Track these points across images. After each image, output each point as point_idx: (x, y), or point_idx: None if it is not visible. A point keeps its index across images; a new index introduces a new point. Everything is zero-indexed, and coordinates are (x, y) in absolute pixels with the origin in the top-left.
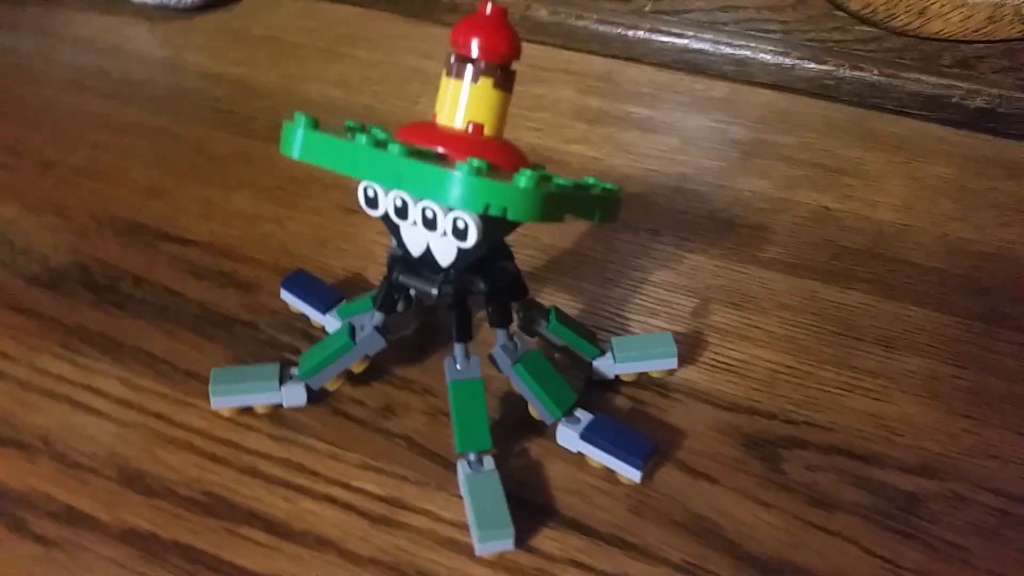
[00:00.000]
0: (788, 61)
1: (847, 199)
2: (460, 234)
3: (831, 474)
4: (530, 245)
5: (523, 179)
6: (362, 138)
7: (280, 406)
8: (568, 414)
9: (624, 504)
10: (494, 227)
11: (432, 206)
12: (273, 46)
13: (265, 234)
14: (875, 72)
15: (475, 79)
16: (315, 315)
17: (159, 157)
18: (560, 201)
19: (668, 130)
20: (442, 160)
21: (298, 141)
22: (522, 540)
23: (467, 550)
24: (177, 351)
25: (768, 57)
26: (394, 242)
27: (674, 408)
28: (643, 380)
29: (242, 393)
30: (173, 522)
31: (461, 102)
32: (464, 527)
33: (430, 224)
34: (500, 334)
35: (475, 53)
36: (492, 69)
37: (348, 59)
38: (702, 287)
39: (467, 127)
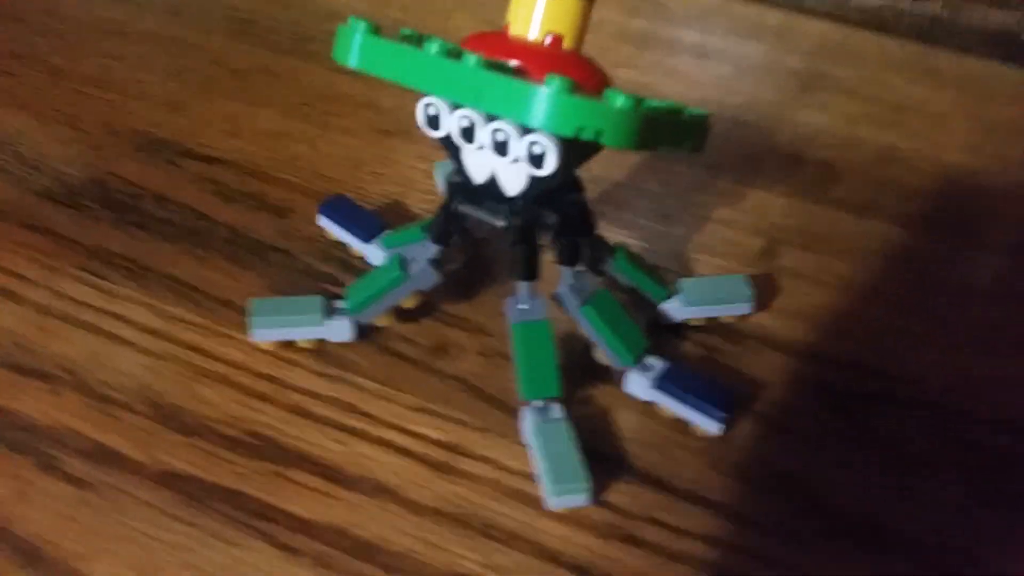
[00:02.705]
0: None
1: (912, 138)
2: (536, 160)
3: (915, 429)
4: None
5: (619, 99)
6: (433, 46)
7: (323, 341)
8: (639, 360)
9: (701, 458)
10: (573, 154)
11: (505, 127)
12: None
13: (294, 154)
14: (939, 4)
15: None
16: (356, 244)
17: (176, 69)
18: (656, 126)
19: (721, 57)
20: (519, 74)
21: (356, 47)
22: (594, 494)
23: (535, 502)
24: (208, 278)
25: None
26: (451, 167)
27: (747, 356)
28: (712, 325)
29: (286, 326)
30: (216, 464)
31: (538, 10)
32: (531, 478)
33: (501, 148)
34: (567, 272)
35: None
36: None
37: None
38: (769, 226)
39: (544, 39)
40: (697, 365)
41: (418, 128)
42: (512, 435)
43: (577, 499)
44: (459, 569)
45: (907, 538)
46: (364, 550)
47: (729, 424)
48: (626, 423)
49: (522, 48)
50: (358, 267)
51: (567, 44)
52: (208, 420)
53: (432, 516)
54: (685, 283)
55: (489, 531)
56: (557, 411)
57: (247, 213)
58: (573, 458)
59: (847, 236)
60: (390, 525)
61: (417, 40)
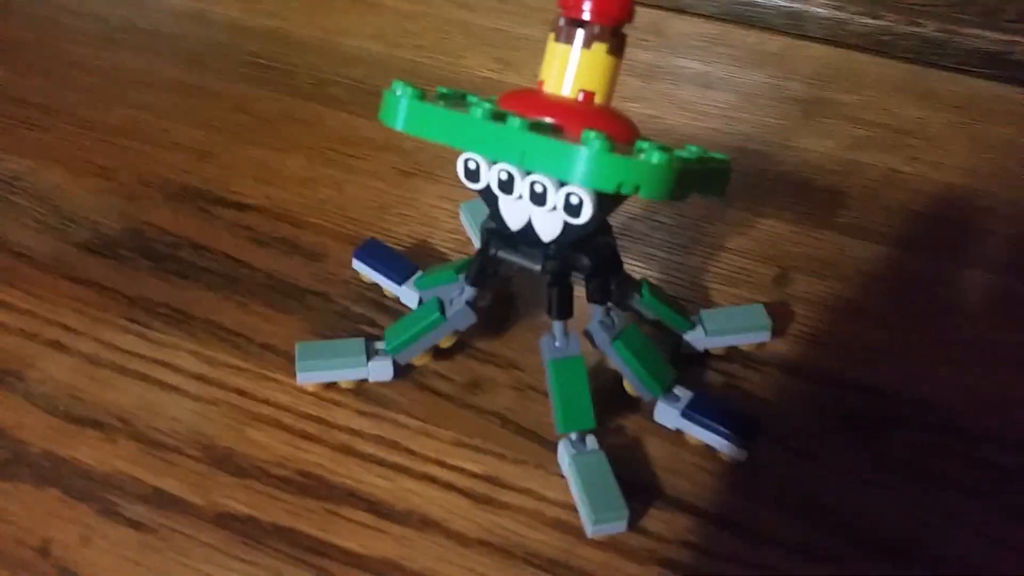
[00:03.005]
0: (842, 15)
1: (914, 161)
2: (573, 210)
3: (934, 451)
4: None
5: (655, 155)
6: (478, 110)
7: (365, 381)
8: (667, 391)
9: (729, 483)
10: (605, 201)
11: (543, 180)
12: None
13: (323, 199)
14: (933, 27)
15: (587, 44)
16: (390, 286)
17: (202, 117)
18: (687, 177)
19: (724, 86)
20: (557, 132)
21: (402, 112)
22: (630, 521)
23: (575, 531)
24: (250, 323)
25: (822, 11)
26: (479, 210)
27: (767, 383)
28: (732, 354)
29: (330, 368)
30: (270, 504)
31: (571, 68)
32: (570, 507)
33: (539, 199)
34: (597, 310)
35: (587, 16)
36: (605, 33)
37: (384, 9)
38: (781, 254)
39: (577, 95)
40: (721, 393)
41: (440, 169)
42: (549, 466)
43: (616, 527)
44: None
45: (933, 555)
46: None
47: (753, 450)
48: (656, 451)
49: (557, 105)
50: (392, 308)
51: (598, 99)
52: (259, 461)
53: (477, 547)
54: (705, 314)
55: (532, 559)
56: (592, 442)
57: (282, 258)
58: (610, 487)
59: (856, 261)
60: (438, 557)
61: (455, 98)
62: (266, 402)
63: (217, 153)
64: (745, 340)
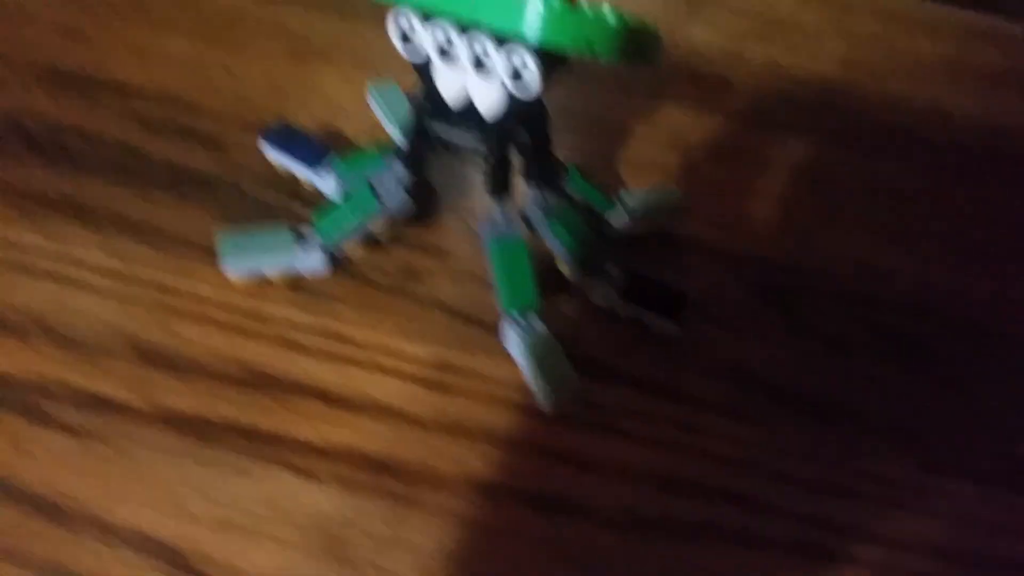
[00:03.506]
0: None
1: (792, 52)
2: (519, 77)
3: (839, 317)
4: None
5: (612, 16)
6: None
7: (297, 273)
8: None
9: (663, 356)
10: (547, 71)
11: (486, 43)
12: None
13: (215, 83)
14: None
15: None
16: (303, 171)
17: None
18: (636, 42)
19: None
20: None
21: None
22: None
23: (528, 408)
24: (158, 215)
25: None
26: (421, 93)
27: (686, 263)
28: (654, 237)
29: (258, 257)
30: (217, 401)
31: None
32: (520, 386)
33: (481, 64)
34: (533, 191)
35: None
36: None
37: None
38: (682, 142)
39: None
40: (649, 272)
41: (335, 51)
42: (493, 349)
43: (571, 399)
44: (474, 474)
45: (848, 410)
46: (382, 467)
47: (683, 325)
48: (592, 329)
49: None
50: (309, 195)
51: None
52: (195, 358)
53: (436, 429)
54: (625, 195)
55: (492, 437)
56: (537, 321)
57: (181, 145)
58: (563, 362)
59: (752, 147)
60: (399, 441)
61: None
62: (191, 297)
63: (89, 35)
64: (665, 221)
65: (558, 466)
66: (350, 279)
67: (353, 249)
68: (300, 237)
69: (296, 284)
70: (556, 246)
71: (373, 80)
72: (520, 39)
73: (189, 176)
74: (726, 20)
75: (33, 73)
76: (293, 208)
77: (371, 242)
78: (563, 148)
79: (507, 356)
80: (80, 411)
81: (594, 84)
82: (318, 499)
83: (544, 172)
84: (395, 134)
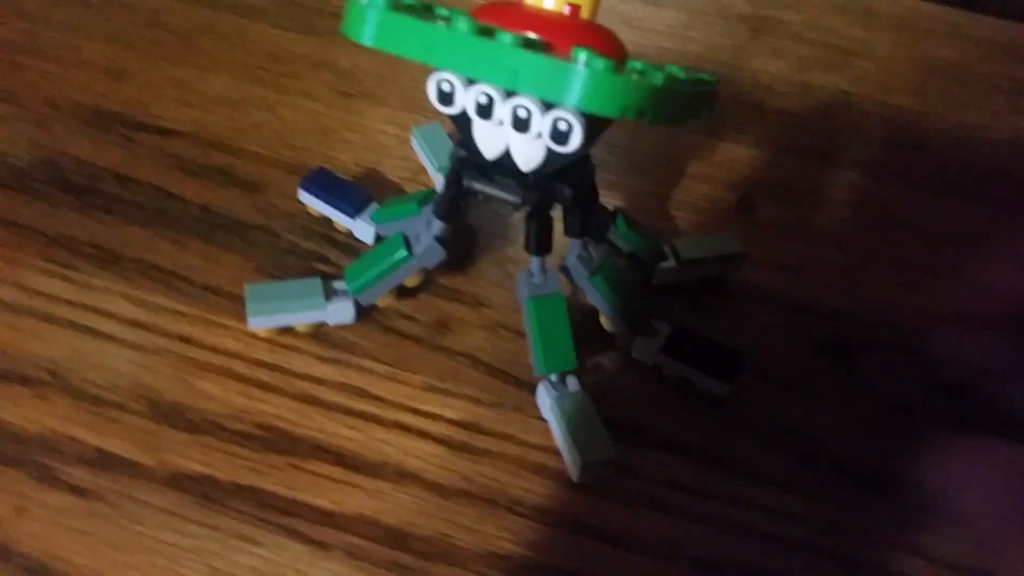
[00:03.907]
0: None
1: (861, 82)
2: (561, 137)
3: (899, 375)
4: None
5: (657, 76)
6: (463, 24)
7: (324, 324)
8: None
9: (711, 419)
10: (592, 129)
11: (527, 104)
12: None
13: (256, 123)
14: None
15: None
16: (342, 219)
17: (112, 32)
18: (685, 99)
19: (670, 3)
20: (549, 50)
21: (372, 23)
22: (617, 462)
23: (559, 476)
24: (187, 263)
25: None
26: (458, 142)
27: (741, 312)
28: (704, 284)
29: (285, 311)
30: (228, 461)
31: None
32: (552, 451)
33: (522, 125)
34: (575, 244)
35: None
36: None
37: None
38: (742, 179)
39: (562, 8)
40: (696, 325)
41: (382, 89)
42: (527, 409)
43: (603, 469)
44: (494, 549)
45: (907, 484)
46: (395, 538)
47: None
48: (635, 388)
49: (543, 19)
50: (345, 244)
51: (584, 13)
52: (212, 415)
53: (457, 497)
54: (677, 244)
55: (517, 508)
56: (573, 383)
57: (217, 189)
58: (596, 429)
59: (815, 185)
60: (417, 510)
61: (421, 10)
62: (214, 349)
63: (131, 72)
64: (718, 269)
65: (588, 542)
66: (379, 330)
67: (386, 299)
68: (330, 289)
69: (323, 335)
70: (599, 301)
71: (419, 122)
72: (563, 105)
73: (225, 221)
74: (792, 48)
75: (76, 114)
76: (330, 256)
77: (404, 292)
78: (613, 190)
79: (541, 419)
80: (87, 468)
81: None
82: (323, 572)
83: (587, 225)
84: (437, 178)
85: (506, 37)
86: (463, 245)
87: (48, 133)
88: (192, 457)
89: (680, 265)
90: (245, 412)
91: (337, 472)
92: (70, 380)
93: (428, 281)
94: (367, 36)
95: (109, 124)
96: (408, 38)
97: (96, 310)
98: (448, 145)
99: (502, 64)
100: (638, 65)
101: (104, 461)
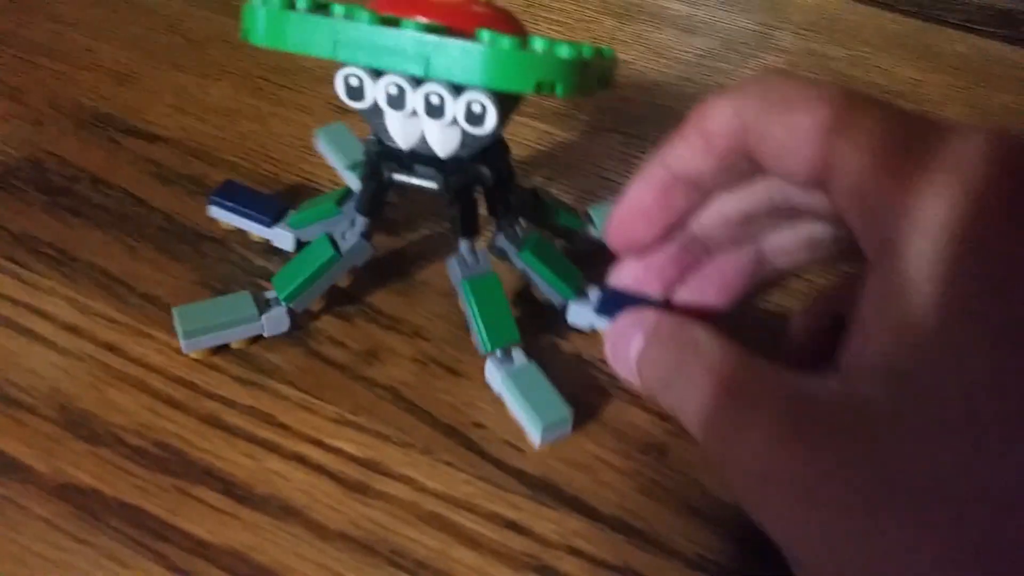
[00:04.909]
0: None
1: None
2: (476, 119)
3: None
4: (544, 163)
5: (563, 49)
6: (364, 15)
7: (260, 338)
8: (504, 351)
9: (634, 482)
10: (505, 108)
11: (439, 90)
12: None
13: (244, 133)
14: None
15: None
16: (257, 229)
17: (131, 35)
18: (592, 71)
19: (707, 31)
20: (454, 34)
21: (262, 19)
22: (515, 519)
23: (450, 528)
24: (136, 270)
25: None
26: (371, 135)
27: None
28: None
29: (217, 330)
30: (118, 477)
31: None
32: (451, 501)
33: (436, 111)
34: (462, 244)
35: None
36: None
37: None
38: None
39: None
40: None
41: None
42: (436, 452)
43: (562, 430)
44: None
45: None
46: None
47: (663, 447)
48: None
49: (442, 6)
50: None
51: None
52: (116, 428)
53: (338, 541)
54: (595, 210)
55: (397, 559)
56: (519, 355)
57: (184, 198)
58: (549, 392)
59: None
60: (292, 550)
61: (316, 7)
62: (136, 361)
63: (139, 76)
64: None
65: None
66: (305, 354)
67: (321, 320)
68: (262, 301)
69: (247, 355)
70: (531, 274)
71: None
72: (475, 86)
73: (182, 231)
74: None
75: (74, 116)
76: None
77: (338, 314)
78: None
79: (449, 465)
80: None
81: (638, 144)
82: None
83: (509, 204)
84: (349, 177)
85: (410, 24)
86: (406, 269)
87: (42, 133)
88: (85, 468)
89: (597, 229)
90: (148, 428)
91: (221, 501)
92: None
93: (366, 305)
94: (259, 32)
95: (102, 127)
96: (310, 35)
97: (36, 311)
98: (354, 143)
99: (411, 52)
100: (540, 42)
101: (1, 464)
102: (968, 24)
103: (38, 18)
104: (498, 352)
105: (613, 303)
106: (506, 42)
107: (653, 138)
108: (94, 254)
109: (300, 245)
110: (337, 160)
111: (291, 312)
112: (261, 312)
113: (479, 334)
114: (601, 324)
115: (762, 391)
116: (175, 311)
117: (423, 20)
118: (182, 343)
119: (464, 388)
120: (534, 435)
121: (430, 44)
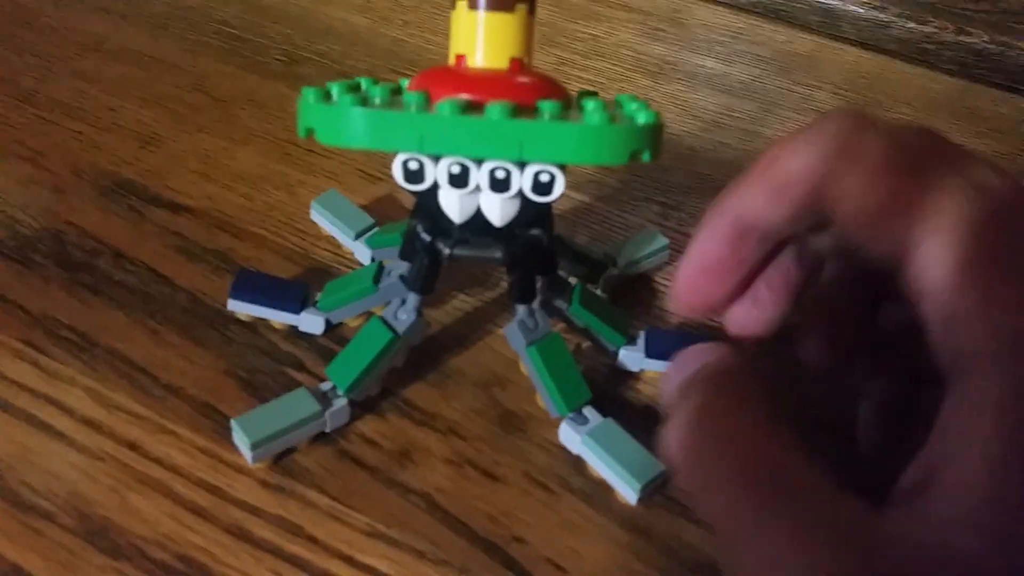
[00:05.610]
0: (883, 16)
1: None
2: (544, 188)
3: None
4: (582, 233)
5: (642, 116)
6: (446, 107)
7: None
8: (576, 411)
9: (612, 541)
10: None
11: (506, 165)
12: None
13: (271, 203)
14: (984, 38)
15: (509, 7)
16: (284, 317)
17: (154, 94)
18: (656, 136)
19: (744, 91)
20: (527, 112)
21: (361, 123)
22: None
23: None
24: (159, 358)
25: (860, 10)
26: (419, 213)
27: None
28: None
29: (286, 435)
30: None
31: (499, 37)
32: None
33: (502, 185)
34: (521, 309)
35: None
36: None
37: None
38: None
39: (506, 64)
40: (643, 418)
41: None
42: (474, 570)
43: (656, 482)
44: None
45: None
46: None
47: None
48: (537, 504)
49: (501, 81)
50: (323, 346)
51: (527, 63)
52: (137, 538)
53: None
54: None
55: None
56: (592, 413)
57: (210, 275)
58: (636, 449)
59: None
60: None
61: (353, 88)
62: (159, 461)
63: (163, 139)
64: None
65: None
66: (335, 455)
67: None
68: (320, 395)
69: (276, 458)
70: (532, 374)
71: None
72: (583, 163)
73: (208, 312)
74: None
75: (95, 182)
76: (305, 361)
77: (372, 404)
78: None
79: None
80: None
81: (680, 220)
82: None
83: (533, 290)
84: (356, 248)
85: (496, 111)
86: (441, 355)
87: (62, 201)
88: None
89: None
90: (171, 539)
91: None
92: (7, 481)
93: (401, 399)
94: (361, 137)
95: (124, 195)
96: (399, 131)
97: (55, 403)
98: (352, 210)
99: (501, 139)
100: (591, 104)
101: None
102: (1013, 85)
103: (62, 74)
104: (570, 414)
105: (662, 344)
106: (597, 117)
107: (691, 208)
108: (116, 339)
109: (328, 327)
110: (339, 229)
111: (351, 403)
112: (324, 407)
113: (551, 398)
114: (652, 366)
115: (816, 521)
116: (234, 423)
117: (497, 102)
118: (248, 456)
119: (502, 495)
120: (630, 495)
121: (522, 129)
